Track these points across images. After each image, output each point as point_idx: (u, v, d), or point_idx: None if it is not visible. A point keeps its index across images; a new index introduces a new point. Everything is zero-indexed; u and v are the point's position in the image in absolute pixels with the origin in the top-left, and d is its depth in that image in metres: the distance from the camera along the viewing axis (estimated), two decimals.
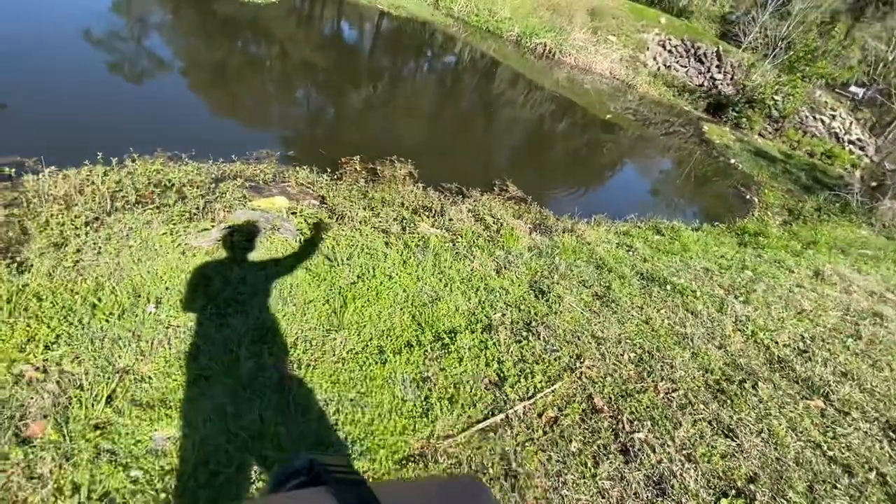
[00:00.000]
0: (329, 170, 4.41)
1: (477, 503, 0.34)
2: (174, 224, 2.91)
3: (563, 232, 4.60)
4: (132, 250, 2.59)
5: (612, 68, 14.47)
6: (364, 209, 3.82)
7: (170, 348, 2.04)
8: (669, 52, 15.61)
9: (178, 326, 2.17)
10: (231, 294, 2.44)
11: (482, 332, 2.56)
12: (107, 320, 2.10)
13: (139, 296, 2.28)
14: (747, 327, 3.11)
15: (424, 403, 2.00)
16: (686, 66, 15.54)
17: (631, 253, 4.29)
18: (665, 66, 15.59)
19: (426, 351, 2.29)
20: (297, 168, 4.23)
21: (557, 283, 3.28)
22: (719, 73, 15.16)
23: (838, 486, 1.98)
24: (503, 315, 2.79)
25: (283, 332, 2.23)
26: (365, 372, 2.10)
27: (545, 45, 14.24)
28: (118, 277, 2.36)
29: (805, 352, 2.97)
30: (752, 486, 1.88)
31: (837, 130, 14.44)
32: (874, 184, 9.82)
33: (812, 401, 2.50)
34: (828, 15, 18.44)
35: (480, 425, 1.93)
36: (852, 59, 17.66)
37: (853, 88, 17.70)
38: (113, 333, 2.04)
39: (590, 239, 4.48)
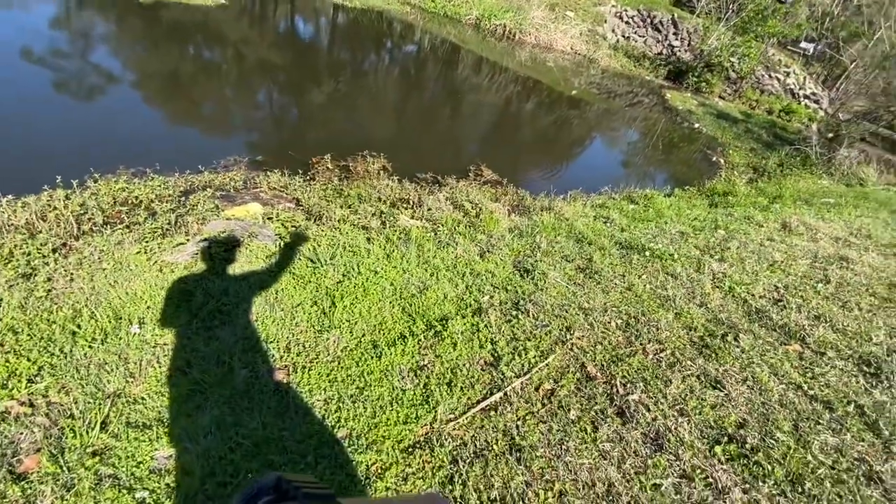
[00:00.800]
0: (301, 171, 4.34)
1: None
2: (147, 242, 2.84)
3: (542, 210, 4.66)
4: (106, 273, 2.52)
5: (573, 44, 14.55)
6: (341, 207, 3.79)
7: (160, 367, 2.00)
8: (627, 23, 15.77)
9: (165, 344, 2.13)
10: (215, 306, 2.40)
11: (473, 316, 2.60)
12: (90, 346, 2.05)
13: (120, 318, 2.22)
14: (725, 284, 3.23)
15: (424, 391, 2.02)
16: (644, 36, 15.75)
17: (608, 224, 4.38)
18: (624, 37, 15.76)
19: (420, 340, 2.31)
20: (268, 172, 4.15)
21: (541, 261, 3.34)
22: (676, 39, 15.41)
23: (821, 421, 2.10)
24: (491, 297, 2.83)
25: (274, 338, 2.22)
26: (362, 368, 2.11)
27: (505, 27, 14.20)
28: (96, 302, 2.29)
29: (780, 301, 3.11)
30: (742, 432, 1.98)
31: (793, 87, 14.91)
32: (830, 135, 10.21)
33: (790, 346, 2.62)
34: None
35: (481, 405, 1.97)
36: (800, 15, 18.17)
37: (803, 44, 18.25)
38: (98, 359, 1.99)
39: (568, 215, 4.55)
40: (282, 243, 3.08)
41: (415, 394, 2.00)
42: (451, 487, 1.63)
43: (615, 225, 4.35)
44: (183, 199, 3.53)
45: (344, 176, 4.50)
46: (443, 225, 3.82)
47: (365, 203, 3.94)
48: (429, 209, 4.10)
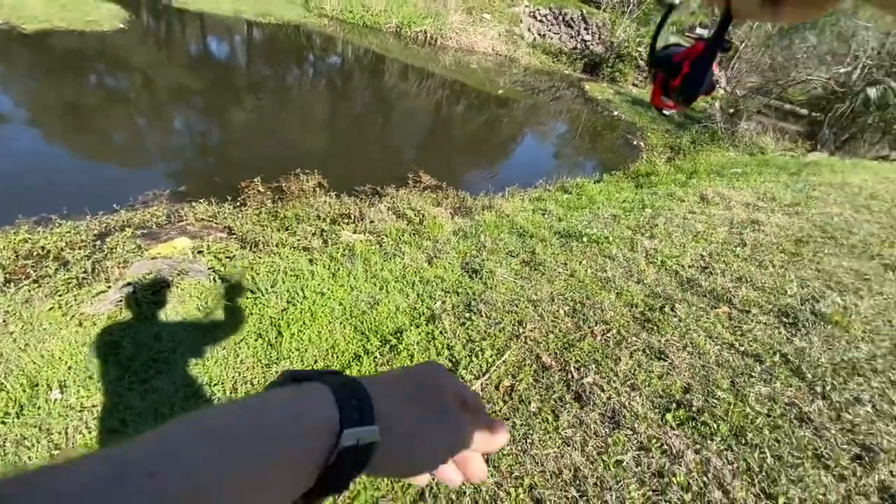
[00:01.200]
0: (230, 197, 4.13)
1: (435, 373, 0.38)
2: (61, 295, 2.57)
3: (483, 210, 4.75)
4: (15, 337, 2.25)
5: (493, 45, 14.99)
6: (278, 231, 3.65)
7: (90, 433, 1.82)
8: (541, 21, 16.48)
9: (93, 406, 1.94)
10: (148, 356, 2.22)
11: (427, 325, 2.59)
12: (2, 422, 1.82)
13: (37, 385, 2.00)
14: (657, 259, 3.46)
15: None
16: (558, 33, 16.53)
17: (546, 216, 4.54)
18: (540, 35, 16.46)
19: (375, 358, 2.27)
20: (193, 203, 3.91)
21: (487, 260, 3.39)
22: (588, 34, 16.32)
23: (753, 374, 2.29)
24: (443, 303, 2.83)
25: (218, 380, 2.08)
26: None
27: (426, 33, 14.35)
28: (5, 371, 2.04)
29: (706, 268, 3.36)
30: (688, 396, 2.12)
31: None
32: (731, 111, 11.24)
33: (719, 308, 2.85)
34: None
35: None
36: (693, 4, 19.92)
37: (699, 31, 19.97)
38: (15, 434, 1.77)
39: (508, 211, 4.67)
40: (216, 277, 2.91)
41: None
42: (422, 503, 1.61)
43: (553, 216, 4.52)
44: (98, 243, 3.24)
45: (278, 197, 4.33)
46: (387, 236, 3.78)
47: (303, 223, 3.81)
48: (371, 222, 4.04)
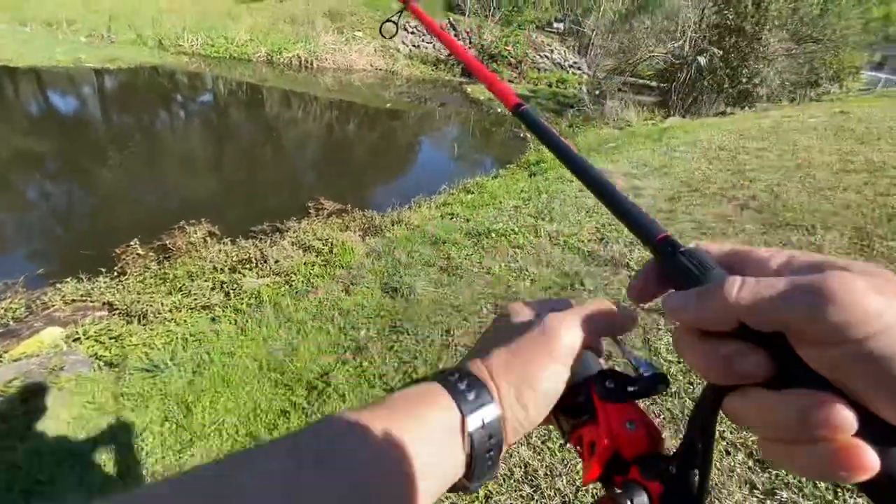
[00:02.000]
0: (104, 269, 3.63)
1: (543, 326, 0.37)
2: None
3: (393, 225, 4.70)
4: None
5: (372, 61, 15.05)
6: (170, 294, 3.28)
7: None
8: (412, 33, 16.90)
9: None
10: (27, 480, 1.85)
11: (354, 358, 2.48)
12: None
13: None
14: (560, 239, 3.68)
15: None
16: (431, 42, 17.07)
17: (455, 219, 4.63)
18: (414, 46, 16.87)
19: (304, 408, 2.12)
20: (58, 285, 3.38)
21: (405, 275, 3.36)
22: (459, 40, 17.06)
23: (660, 327, 2.52)
24: (367, 330, 2.74)
25: (122, 487, 1.80)
26: None
27: (299, 57, 13.99)
28: None
29: (602, 238, 3.66)
30: (610, 362, 2.27)
31: (559, 60, 17.77)
32: (597, 92, 12.45)
33: (619, 273, 3.11)
34: None
35: None
36: (545, 2, 21.75)
37: (555, 25, 21.88)
38: None
39: (417, 222, 4.68)
40: (101, 364, 2.52)
41: None
42: None
43: (460, 218, 4.62)
44: None
45: (163, 257, 3.90)
46: (296, 273, 3.58)
47: (198, 279, 3.47)
48: (276, 262, 3.80)
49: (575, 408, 0.36)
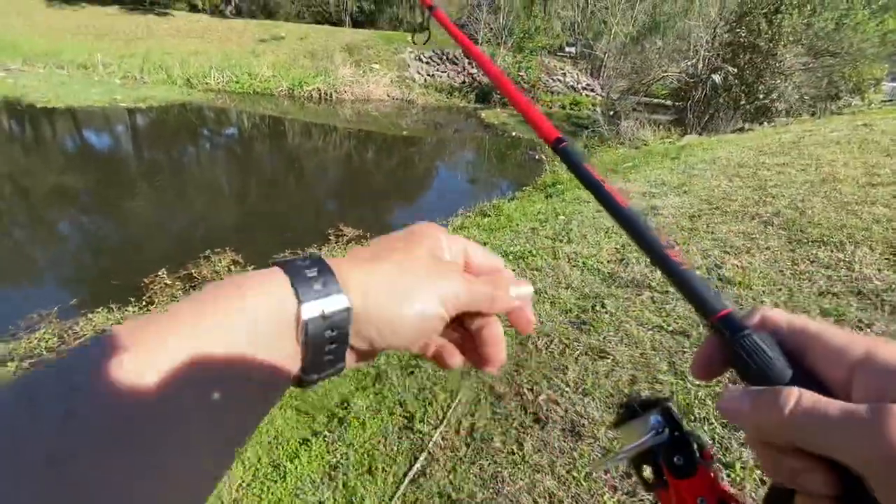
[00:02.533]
0: (133, 299, 3.75)
1: (422, 227, 0.36)
2: None
3: None
4: None
5: (388, 91, 15.54)
6: None
7: None
8: (427, 63, 17.43)
9: None
10: None
11: (374, 385, 2.48)
12: None
13: None
14: (579, 261, 3.65)
15: (344, 491, 1.84)
16: (445, 71, 17.56)
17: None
18: (429, 75, 17.37)
19: (325, 436, 2.11)
20: (90, 315, 3.50)
21: None
22: (473, 67, 17.50)
23: (685, 350, 2.45)
24: (387, 357, 2.74)
25: None
26: (266, 499, 1.84)
27: (319, 90, 14.55)
28: None
29: (622, 259, 3.61)
30: (636, 388, 2.20)
31: (572, 83, 18.00)
32: (611, 113, 12.51)
33: (642, 295, 3.05)
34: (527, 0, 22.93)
35: (407, 478, 1.85)
36: (556, 28, 22.23)
37: (567, 49, 22.28)
38: None
39: None
40: None
41: (335, 499, 1.80)
42: None
43: (477, 241, 4.63)
44: None
45: (189, 286, 4.02)
46: None
47: None
48: None
49: (649, 472, 0.35)
